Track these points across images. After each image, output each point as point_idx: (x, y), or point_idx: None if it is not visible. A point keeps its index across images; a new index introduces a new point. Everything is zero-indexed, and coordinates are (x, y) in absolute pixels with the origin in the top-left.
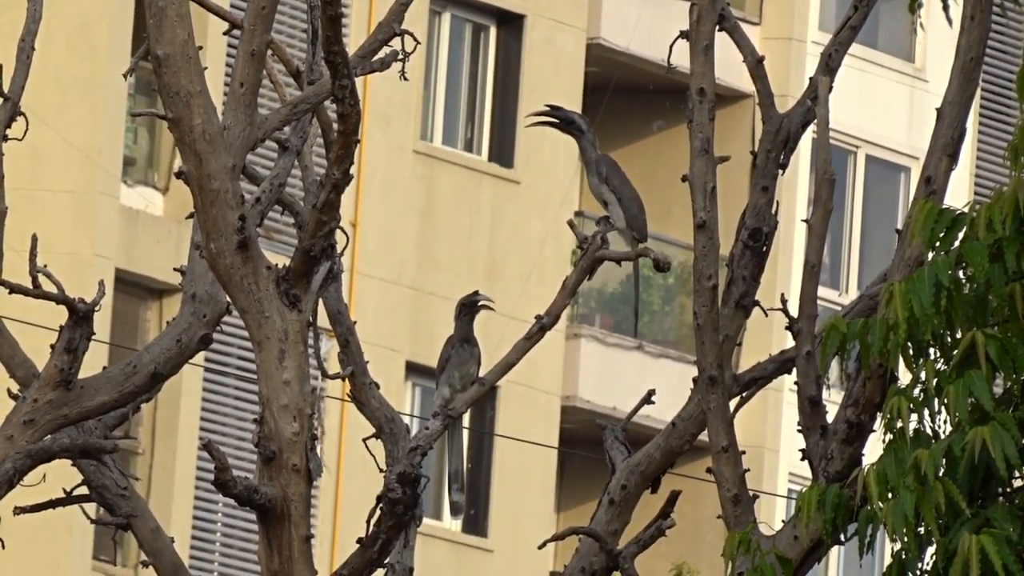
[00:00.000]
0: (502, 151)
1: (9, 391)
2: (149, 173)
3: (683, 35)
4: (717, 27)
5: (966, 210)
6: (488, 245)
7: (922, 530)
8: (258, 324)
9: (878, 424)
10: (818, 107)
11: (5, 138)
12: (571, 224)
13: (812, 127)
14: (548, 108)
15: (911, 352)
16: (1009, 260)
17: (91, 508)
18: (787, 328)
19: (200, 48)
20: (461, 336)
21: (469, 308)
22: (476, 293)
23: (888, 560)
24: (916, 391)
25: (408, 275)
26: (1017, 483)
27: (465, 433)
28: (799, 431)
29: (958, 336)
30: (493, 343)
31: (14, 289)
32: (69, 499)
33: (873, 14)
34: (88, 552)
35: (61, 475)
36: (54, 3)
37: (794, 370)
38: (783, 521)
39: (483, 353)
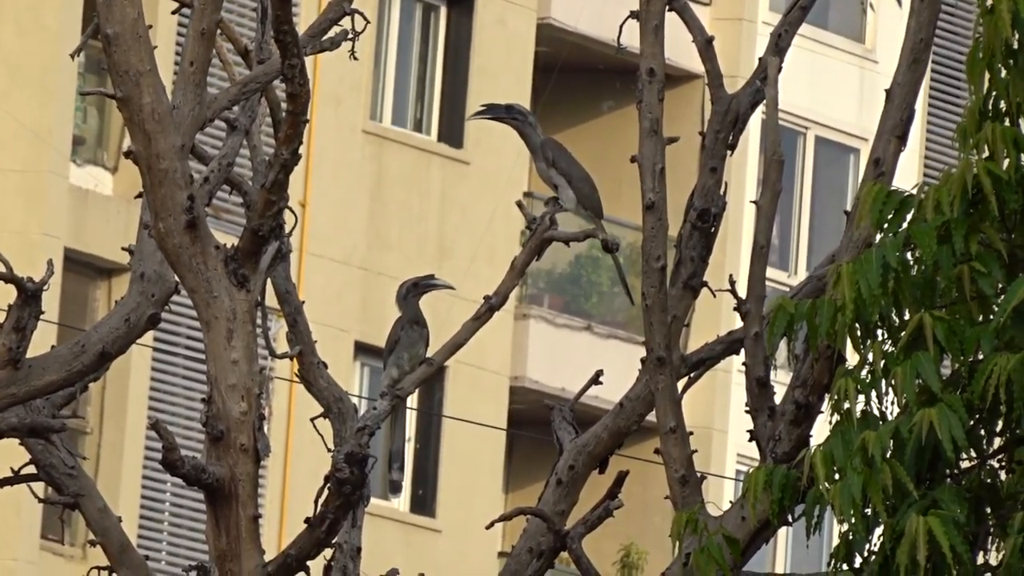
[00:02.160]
0: (452, 131)
1: None
2: (98, 152)
3: (633, 15)
4: (667, 7)
5: (915, 192)
6: (437, 225)
7: (869, 511)
8: (206, 304)
9: (826, 405)
10: (767, 88)
11: None
12: (520, 205)
13: (761, 108)
14: (484, 107)
15: (859, 333)
16: (957, 242)
17: (39, 487)
18: (735, 309)
19: (150, 27)
20: (410, 317)
21: (418, 289)
22: (431, 276)
23: (836, 541)
24: (864, 372)
25: (357, 255)
26: (964, 464)
27: (413, 414)
28: (747, 412)
29: (906, 318)
30: (440, 323)
31: None
32: (16, 478)
33: None
34: (36, 531)
35: (9, 454)
36: None
37: (742, 351)
38: (731, 502)
39: (431, 333)
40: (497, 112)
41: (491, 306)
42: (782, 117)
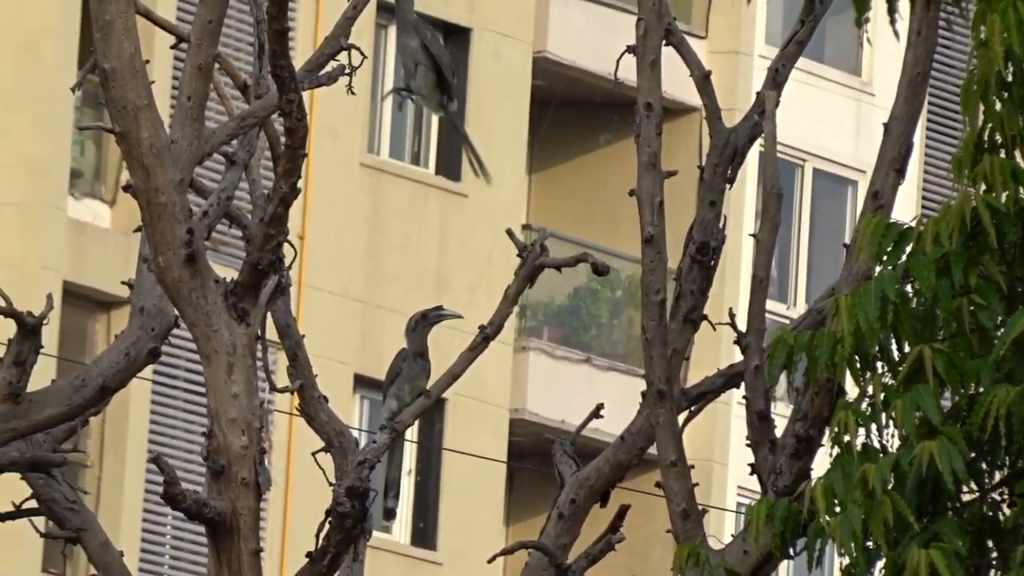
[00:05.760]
0: (449, 164)
1: None
2: (96, 186)
3: (630, 49)
4: (664, 41)
5: (913, 224)
6: (436, 258)
7: (871, 544)
8: (206, 337)
9: (826, 438)
10: (765, 122)
11: None
12: (510, 233)
13: (759, 141)
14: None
15: (858, 366)
16: (956, 275)
17: (40, 522)
18: (735, 342)
19: (147, 62)
20: (415, 349)
21: (427, 321)
22: (440, 308)
23: (837, 574)
24: (864, 405)
25: (356, 288)
26: (965, 497)
27: (413, 446)
28: (748, 445)
29: (905, 350)
30: (440, 355)
31: None
32: (18, 512)
33: (820, 27)
34: (37, 565)
35: (10, 488)
36: (0, 15)
37: (742, 384)
38: (732, 535)
39: (432, 366)
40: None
41: (486, 336)
42: (779, 149)
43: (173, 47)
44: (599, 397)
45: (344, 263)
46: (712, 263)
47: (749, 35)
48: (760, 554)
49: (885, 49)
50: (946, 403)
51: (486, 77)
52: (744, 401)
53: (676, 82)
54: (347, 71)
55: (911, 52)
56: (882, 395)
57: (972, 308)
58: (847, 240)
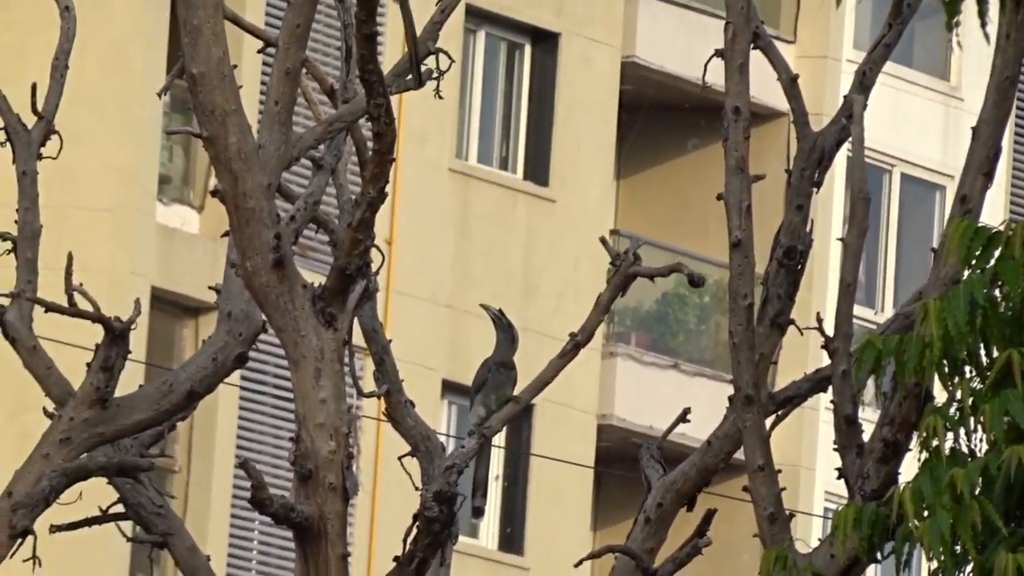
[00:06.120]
0: (537, 169)
1: (45, 410)
2: (184, 191)
3: (718, 53)
4: (752, 45)
5: (1002, 228)
6: (523, 263)
7: (959, 548)
8: (294, 343)
9: (914, 443)
10: (853, 126)
11: (40, 157)
12: (603, 241)
13: (847, 145)
14: None
15: (947, 370)
16: None
17: (127, 526)
18: (823, 347)
19: (235, 66)
20: (499, 359)
21: (497, 325)
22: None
23: None
24: (952, 410)
25: (444, 293)
26: None
27: (501, 451)
28: (835, 450)
29: (994, 355)
30: (528, 361)
31: (50, 307)
32: (105, 517)
33: (908, 32)
34: (125, 570)
35: (97, 493)
36: (88, 22)
37: (830, 389)
38: (819, 539)
39: (519, 373)
40: None
41: (576, 343)
42: (867, 154)
43: (261, 51)
44: (686, 402)
45: (432, 268)
46: (799, 267)
47: (837, 39)
48: (847, 558)
49: (973, 53)
50: None
51: (574, 82)
52: (832, 405)
53: (764, 86)
54: (435, 75)
55: (1000, 56)
56: (970, 400)
57: None
58: (935, 244)
